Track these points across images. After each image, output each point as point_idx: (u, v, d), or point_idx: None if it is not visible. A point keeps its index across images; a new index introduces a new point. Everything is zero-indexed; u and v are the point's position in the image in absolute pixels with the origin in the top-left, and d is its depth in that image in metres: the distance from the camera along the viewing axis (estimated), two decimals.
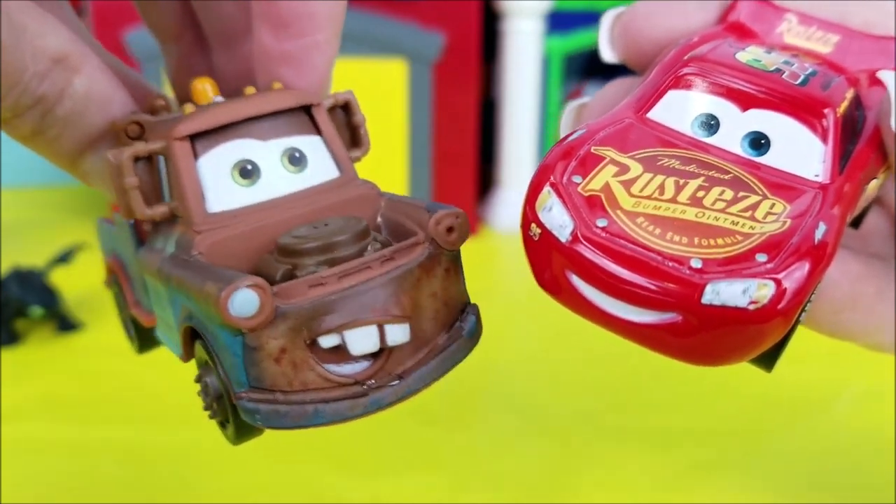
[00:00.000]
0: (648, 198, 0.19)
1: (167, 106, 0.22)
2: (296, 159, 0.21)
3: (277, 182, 0.21)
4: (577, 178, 0.20)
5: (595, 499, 0.41)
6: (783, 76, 0.21)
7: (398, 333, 0.19)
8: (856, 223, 0.24)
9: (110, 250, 0.26)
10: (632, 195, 0.19)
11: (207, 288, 0.18)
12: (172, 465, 0.42)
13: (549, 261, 0.19)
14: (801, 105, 0.20)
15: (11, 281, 0.54)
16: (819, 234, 0.18)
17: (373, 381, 0.19)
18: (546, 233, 0.19)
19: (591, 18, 0.75)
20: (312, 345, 0.19)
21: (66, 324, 0.55)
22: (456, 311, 0.21)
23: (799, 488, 0.42)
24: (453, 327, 0.21)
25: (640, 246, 0.18)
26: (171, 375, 0.49)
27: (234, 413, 0.19)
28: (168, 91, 0.26)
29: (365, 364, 0.19)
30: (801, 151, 0.20)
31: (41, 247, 0.61)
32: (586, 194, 0.19)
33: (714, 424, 0.47)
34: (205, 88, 0.22)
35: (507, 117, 0.75)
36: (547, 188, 0.19)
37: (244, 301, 0.18)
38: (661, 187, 0.19)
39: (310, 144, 0.22)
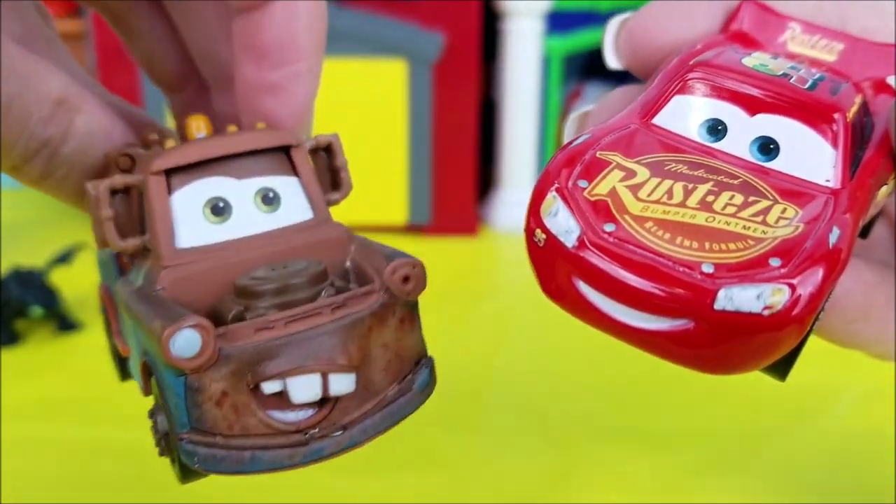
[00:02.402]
0: (657, 202, 0.19)
1: (160, 140, 0.22)
2: (269, 199, 0.21)
3: (249, 221, 0.21)
4: (582, 183, 0.19)
5: (595, 499, 0.41)
6: (791, 81, 0.21)
7: (342, 383, 0.19)
8: (864, 233, 0.24)
9: (103, 277, 0.26)
10: (639, 200, 0.19)
11: (153, 325, 0.18)
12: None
13: (554, 267, 0.19)
14: (810, 109, 0.20)
15: (11, 281, 0.54)
16: (833, 238, 0.18)
17: (315, 431, 0.19)
18: (551, 238, 0.19)
19: (591, 18, 0.75)
20: (255, 389, 0.18)
21: (66, 324, 0.55)
22: (409, 363, 0.21)
23: (799, 489, 0.42)
24: (405, 379, 0.20)
25: (649, 251, 0.18)
26: None
27: (181, 459, 0.19)
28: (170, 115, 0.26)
29: (309, 412, 0.19)
30: (812, 156, 0.20)
31: (41, 247, 0.61)
32: (592, 199, 0.19)
33: (714, 425, 0.47)
34: (197, 125, 0.22)
35: (507, 117, 0.75)
36: (552, 193, 0.19)
37: (186, 341, 0.17)
38: (670, 192, 0.19)
39: (285, 185, 0.22)
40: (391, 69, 0.70)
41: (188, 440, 0.19)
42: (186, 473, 0.20)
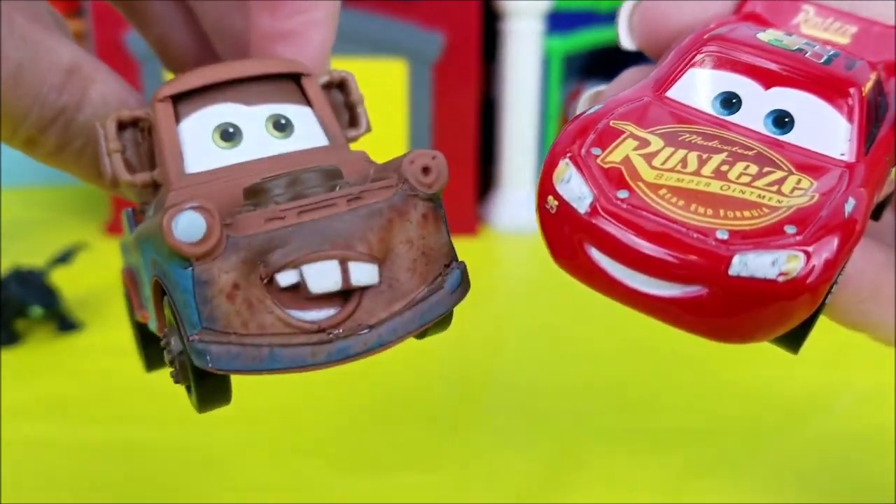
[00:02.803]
0: (671, 170, 0.19)
1: None
2: (281, 125, 0.21)
3: (260, 146, 0.20)
4: (595, 151, 0.19)
5: (594, 499, 0.41)
6: (806, 56, 0.21)
7: (364, 273, 0.18)
8: (876, 214, 0.24)
9: (126, 262, 0.26)
10: (653, 168, 0.19)
11: (157, 220, 0.17)
12: (172, 465, 0.42)
13: (566, 234, 0.19)
14: (825, 83, 0.20)
15: (11, 281, 0.54)
16: (849, 208, 0.18)
17: (339, 330, 0.18)
18: (564, 205, 0.18)
19: (591, 18, 0.75)
20: (270, 283, 0.17)
21: (66, 324, 0.55)
22: (438, 265, 0.19)
23: (799, 489, 0.42)
24: (435, 281, 0.19)
25: (663, 217, 0.18)
26: None
27: (196, 375, 0.18)
28: None
29: (332, 311, 0.18)
30: (827, 130, 0.20)
31: (41, 247, 0.61)
32: (606, 166, 0.19)
33: (714, 425, 0.47)
34: None
35: (507, 117, 0.75)
36: (565, 160, 0.19)
37: (189, 223, 0.17)
38: (684, 161, 0.19)
39: (297, 113, 0.21)
40: (391, 69, 0.70)
41: (199, 340, 0.17)
42: (204, 400, 0.19)
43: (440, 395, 0.50)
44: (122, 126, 0.20)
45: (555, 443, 0.45)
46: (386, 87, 0.71)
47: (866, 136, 0.20)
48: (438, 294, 0.19)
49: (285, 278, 0.17)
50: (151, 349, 0.25)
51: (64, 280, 0.56)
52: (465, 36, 0.70)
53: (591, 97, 0.25)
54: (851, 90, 0.20)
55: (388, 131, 0.72)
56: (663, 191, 0.18)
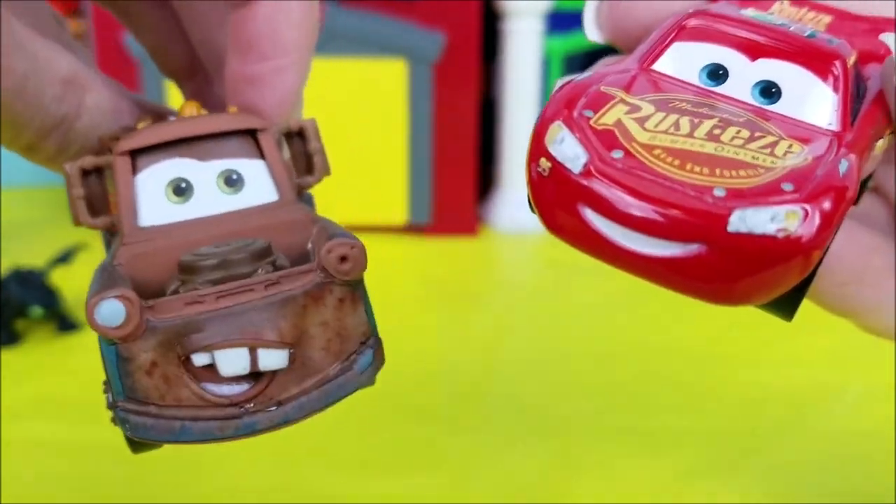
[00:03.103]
0: (664, 132, 0.19)
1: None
2: (232, 181, 0.22)
3: (210, 202, 0.21)
4: (588, 113, 0.19)
5: (594, 499, 0.41)
6: (790, 29, 0.21)
7: (272, 359, 0.19)
8: (856, 197, 0.24)
9: None
10: (646, 130, 0.19)
11: (88, 296, 0.18)
12: (172, 465, 0.42)
13: (559, 196, 0.18)
14: (811, 55, 0.20)
15: (11, 281, 0.54)
16: (843, 169, 0.18)
17: (250, 405, 0.19)
18: (557, 166, 0.18)
19: None
20: (187, 361, 0.19)
21: (66, 324, 0.55)
22: (353, 343, 0.20)
23: (799, 489, 0.42)
24: (349, 359, 0.20)
25: (659, 176, 0.18)
26: None
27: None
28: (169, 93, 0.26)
29: (245, 386, 0.19)
30: (814, 100, 0.20)
31: (41, 247, 0.61)
32: (599, 128, 0.19)
33: (714, 425, 0.47)
34: (189, 110, 0.23)
35: (507, 117, 0.75)
36: (558, 122, 0.19)
37: (110, 311, 0.18)
38: (677, 124, 0.19)
39: (250, 167, 0.22)
40: (391, 69, 0.70)
41: (122, 408, 0.19)
42: (133, 444, 0.21)
43: (440, 395, 0.50)
44: (86, 172, 0.21)
45: (555, 443, 0.45)
46: (386, 87, 0.71)
47: (851, 109, 0.20)
48: (347, 375, 0.20)
49: (199, 359, 0.19)
50: None
51: (64, 280, 0.56)
52: (465, 36, 0.70)
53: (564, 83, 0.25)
54: (837, 61, 0.20)
55: (388, 131, 0.72)
56: (658, 151, 0.18)
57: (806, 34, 0.21)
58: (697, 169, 0.18)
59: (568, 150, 0.18)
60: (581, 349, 0.55)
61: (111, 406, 0.20)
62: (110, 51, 0.65)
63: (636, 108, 0.19)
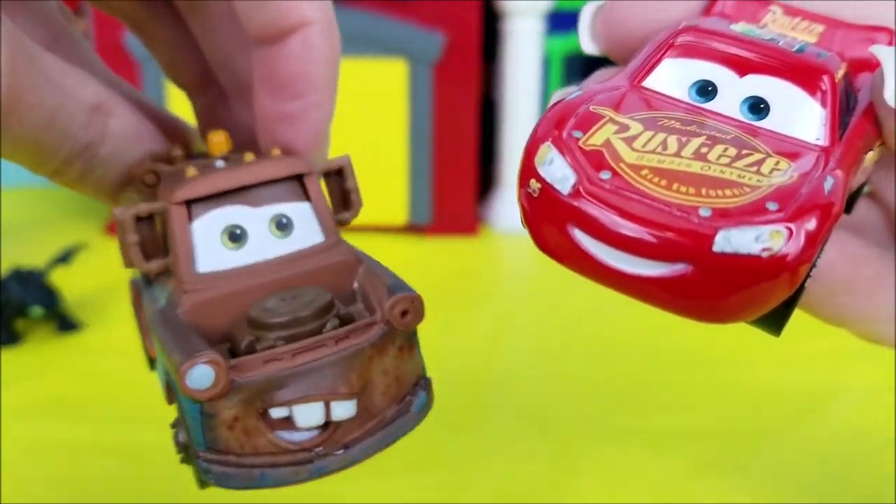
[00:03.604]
0: (652, 152, 0.19)
1: (183, 157, 0.24)
2: (283, 225, 0.23)
3: (264, 246, 0.22)
4: (577, 134, 0.19)
5: (594, 499, 0.41)
6: (779, 45, 0.21)
7: (344, 409, 0.21)
8: (848, 206, 0.24)
9: (134, 274, 0.27)
10: (634, 150, 0.19)
11: (173, 357, 0.20)
12: (172, 465, 0.42)
13: (550, 217, 0.19)
14: (799, 70, 0.20)
15: (11, 281, 0.54)
16: (828, 186, 0.18)
17: (320, 449, 0.21)
18: (546, 187, 0.19)
19: None
20: (264, 414, 0.20)
21: (66, 324, 0.55)
22: (408, 385, 0.22)
23: (799, 489, 0.42)
24: (404, 400, 0.22)
25: (646, 196, 0.18)
26: None
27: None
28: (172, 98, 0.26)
29: (314, 433, 0.21)
30: (802, 116, 0.20)
31: (41, 247, 0.61)
32: (587, 149, 0.19)
33: (714, 425, 0.47)
34: (219, 141, 0.23)
35: (507, 117, 0.75)
36: (547, 143, 0.19)
37: (201, 375, 0.19)
38: (664, 143, 0.19)
39: (297, 210, 0.23)
40: (391, 69, 0.70)
41: (204, 458, 0.20)
42: (204, 482, 0.22)
43: (440, 395, 0.50)
44: (138, 219, 0.22)
45: (555, 443, 0.45)
46: (386, 87, 0.71)
47: (840, 123, 0.20)
48: (406, 416, 0.22)
49: (278, 413, 0.20)
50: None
51: (64, 280, 0.56)
52: (465, 36, 0.70)
53: (559, 98, 0.25)
54: (824, 76, 0.20)
55: (388, 131, 0.72)
56: (645, 171, 0.18)
57: (795, 48, 0.21)
58: (684, 189, 0.18)
59: (557, 171, 0.19)
60: (581, 349, 0.55)
61: (183, 448, 0.21)
62: (110, 51, 0.65)
63: (625, 128, 0.19)
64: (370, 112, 0.71)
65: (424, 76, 0.71)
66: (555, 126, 0.19)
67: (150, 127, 0.23)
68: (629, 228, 0.18)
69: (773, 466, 0.43)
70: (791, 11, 0.23)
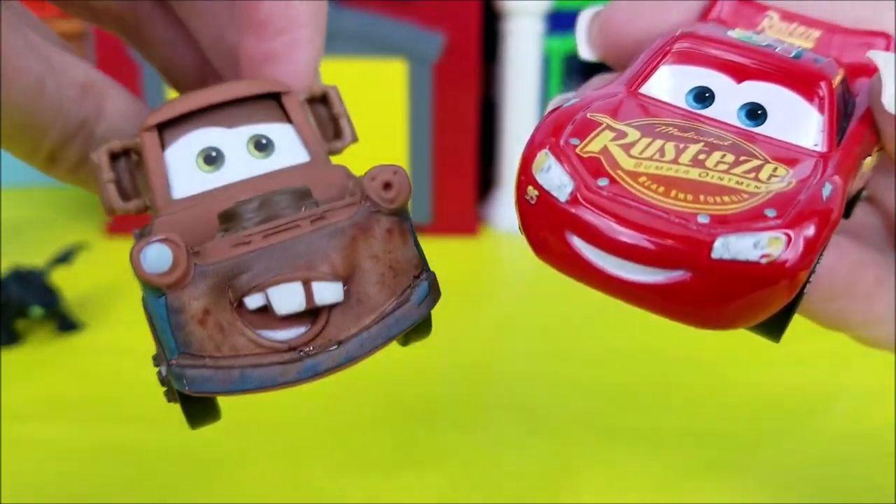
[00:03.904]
0: (649, 159, 0.19)
1: None
2: (262, 145, 0.21)
3: (242, 167, 0.21)
4: (574, 141, 0.19)
5: (594, 499, 0.41)
6: (776, 51, 0.21)
7: (328, 292, 0.18)
8: (846, 211, 0.24)
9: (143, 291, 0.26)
10: (632, 157, 0.19)
11: (131, 249, 0.18)
12: (172, 465, 0.42)
13: (547, 224, 0.19)
14: (796, 76, 0.20)
15: (11, 281, 0.54)
16: (826, 193, 0.18)
17: (310, 347, 0.19)
18: (544, 194, 0.19)
19: None
20: (240, 307, 0.18)
21: (66, 324, 0.55)
22: (407, 277, 0.20)
23: (799, 489, 0.42)
24: (404, 293, 0.20)
25: (644, 204, 0.18)
26: None
27: (182, 396, 0.19)
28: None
29: (302, 329, 0.19)
30: (799, 122, 0.20)
31: (41, 247, 0.61)
32: (585, 156, 0.19)
33: (714, 426, 0.47)
34: None
35: (507, 117, 0.75)
36: (544, 150, 0.19)
37: (157, 255, 0.17)
38: (662, 150, 0.19)
39: (278, 131, 0.22)
40: (391, 69, 0.70)
41: (177, 364, 0.18)
42: (191, 415, 0.20)
43: (440, 395, 0.50)
44: (114, 156, 0.21)
45: (555, 443, 0.45)
46: (386, 87, 0.71)
47: (838, 128, 0.20)
48: (405, 307, 0.20)
49: (252, 301, 0.18)
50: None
51: (64, 280, 0.56)
52: (465, 36, 0.70)
53: (557, 104, 0.25)
54: (822, 82, 0.20)
55: (388, 131, 0.72)
56: (643, 178, 0.18)
57: (792, 55, 0.21)
58: (682, 196, 0.18)
59: (554, 178, 0.19)
60: (581, 349, 0.55)
61: (166, 373, 0.19)
62: (110, 53, 0.65)
63: (622, 135, 0.19)
64: (370, 112, 0.71)
65: (424, 76, 0.71)
66: (552, 133, 0.19)
67: (146, 108, 0.23)
68: (628, 235, 0.18)
69: (773, 466, 0.43)
70: (788, 17, 0.23)
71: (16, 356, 0.52)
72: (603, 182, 0.18)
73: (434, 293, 0.21)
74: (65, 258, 0.57)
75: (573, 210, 0.18)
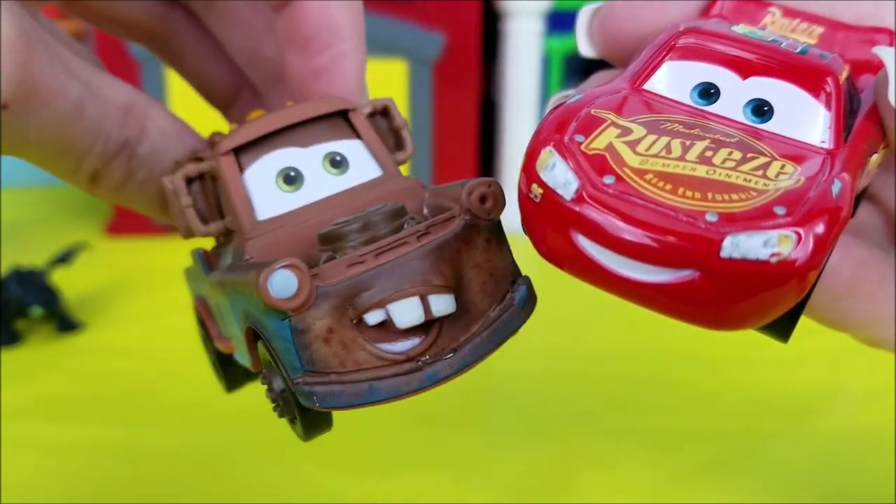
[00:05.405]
0: (655, 156, 0.18)
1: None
2: (337, 162, 0.22)
3: (321, 185, 0.22)
4: (579, 138, 0.19)
5: (594, 499, 0.41)
6: (781, 46, 0.21)
7: (442, 303, 0.19)
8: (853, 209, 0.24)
9: (195, 292, 0.26)
10: (638, 154, 0.18)
11: (249, 276, 0.19)
12: (172, 465, 0.42)
13: (552, 223, 0.18)
14: (803, 72, 0.20)
15: (11, 281, 0.54)
16: (835, 190, 0.18)
17: (426, 357, 0.19)
18: (549, 192, 0.18)
19: None
20: (359, 323, 0.19)
21: (66, 324, 0.55)
22: (505, 283, 0.21)
23: (799, 489, 0.42)
24: (505, 298, 0.21)
25: (651, 202, 0.17)
26: (172, 375, 0.49)
27: (299, 407, 0.20)
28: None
29: (417, 340, 0.19)
30: (806, 118, 0.20)
31: (41, 247, 0.61)
32: (590, 153, 0.18)
33: (714, 425, 0.47)
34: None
35: (507, 117, 0.75)
36: (549, 148, 0.19)
37: (282, 281, 0.18)
38: (668, 147, 0.19)
39: (350, 148, 0.22)
40: (391, 69, 0.70)
41: (304, 383, 0.19)
42: (309, 429, 0.21)
43: (440, 395, 0.50)
44: (189, 180, 0.21)
45: (555, 443, 0.45)
46: (386, 87, 0.71)
47: (844, 125, 0.20)
48: (510, 312, 0.21)
49: (373, 317, 0.19)
50: (230, 372, 0.27)
51: (64, 280, 0.56)
52: (465, 36, 0.70)
53: (558, 101, 0.24)
54: (828, 78, 0.20)
55: None
56: (649, 175, 0.18)
57: (797, 50, 0.21)
58: (689, 193, 0.18)
59: (559, 176, 0.18)
60: (581, 349, 0.55)
61: (279, 397, 0.20)
62: (110, 51, 0.65)
63: (627, 131, 0.19)
64: None
65: (424, 76, 0.71)
66: (556, 130, 0.19)
67: (190, 129, 0.23)
68: (635, 234, 0.17)
69: (773, 466, 0.43)
70: (790, 13, 0.23)
71: (16, 356, 0.52)
72: (609, 180, 0.18)
73: (532, 297, 0.21)
74: (65, 258, 0.57)
75: (579, 208, 0.18)
